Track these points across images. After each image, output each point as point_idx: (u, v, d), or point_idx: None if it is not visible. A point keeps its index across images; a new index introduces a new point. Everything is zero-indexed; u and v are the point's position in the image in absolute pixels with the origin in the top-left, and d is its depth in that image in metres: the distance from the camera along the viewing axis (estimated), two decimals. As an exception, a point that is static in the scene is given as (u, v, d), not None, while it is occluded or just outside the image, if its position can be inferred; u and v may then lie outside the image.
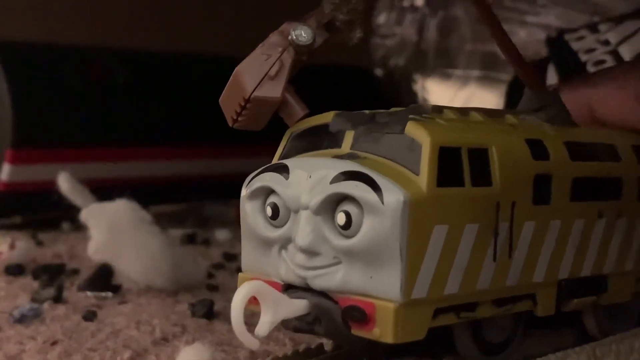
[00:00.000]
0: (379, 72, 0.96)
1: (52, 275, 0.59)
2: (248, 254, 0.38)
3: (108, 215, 0.58)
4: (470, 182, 0.35)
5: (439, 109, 0.37)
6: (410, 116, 0.35)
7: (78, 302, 0.54)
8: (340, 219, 0.34)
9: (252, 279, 0.37)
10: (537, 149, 0.38)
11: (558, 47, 0.65)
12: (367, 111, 0.37)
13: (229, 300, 0.55)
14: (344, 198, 0.34)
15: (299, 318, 0.35)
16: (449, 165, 0.34)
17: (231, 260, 0.67)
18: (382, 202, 0.33)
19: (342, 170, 0.34)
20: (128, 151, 0.83)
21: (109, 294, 0.56)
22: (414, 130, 0.34)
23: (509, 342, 0.39)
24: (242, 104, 0.38)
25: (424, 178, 0.33)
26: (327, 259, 0.34)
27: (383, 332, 0.33)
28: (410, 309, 0.33)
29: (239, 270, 0.65)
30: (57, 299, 0.54)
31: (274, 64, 0.37)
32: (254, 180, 0.37)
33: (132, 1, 1.20)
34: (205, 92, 0.89)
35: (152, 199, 0.81)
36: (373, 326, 0.33)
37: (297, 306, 0.35)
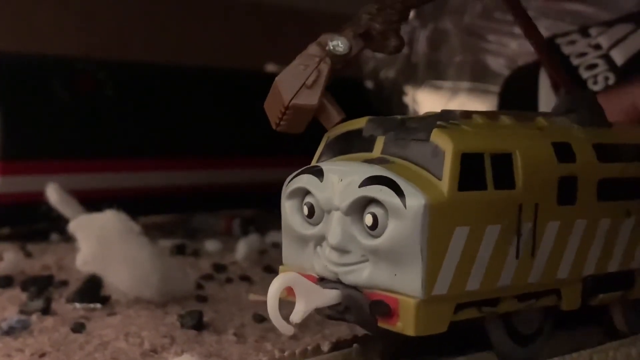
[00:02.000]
0: (369, 84, 0.96)
1: (41, 287, 0.59)
2: (287, 248, 0.40)
3: (97, 227, 0.57)
4: (493, 186, 0.37)
5: (467, 115, 0.39)
6: (438, 123, 0.37)
7: (66, 314, 0.54)
8: (368, 220, 0.36)
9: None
10: (563, 151, 0.40)
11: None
12: (398, 116, 0.39)
13: (218, 311, 0.55)
14: (371, 201, 0.36)
15: (331, 307, 0.37)
16: (471, 170, 0.36)
17: (220, 271, 0.67)
18: (405, 206, 0.35)
19: (370, 175, 0.36)
20: (117, 162, 0.82)
21: (98, 305, 0.56)
22: (438, 137, 0.37)
23: (538, 333, 0.41)
24: (282, 110, 0.39)
25: (445, 183, 0.36)
26: (356, 257, 0.37)
27: (405, 325, 0.36)
28: (430, 304, 0.35)
29: (229, 281, 0.65)
30: (46, 310, 0.54)
31: (311, 73, 0.39)
32: (293, 180, 0.39)
33: (120, 13, 1.20)
34: (194, 103, 0.90)
35: (141, 210, 0.80)
36: (397, 320, 0.36)
37: (330, 296, 0.37)
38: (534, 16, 0.83)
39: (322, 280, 0.38)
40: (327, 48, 0.40)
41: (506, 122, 0.40)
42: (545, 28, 0.82)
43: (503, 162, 0.37)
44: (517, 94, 0.73)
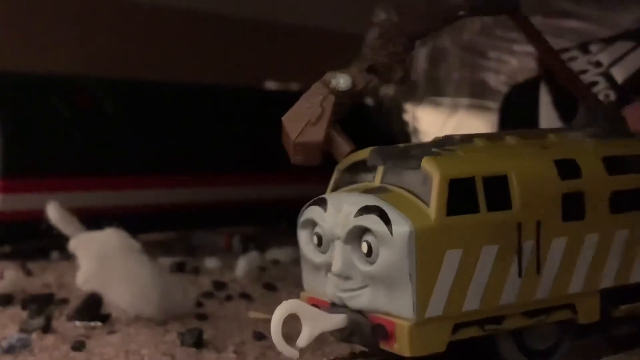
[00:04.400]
0: (369, 101, 0.96)
1: (41, 305, 0.59)
2: (306, 275, 0.43)
3: (97, 245, 0.58)
4: (486, 208, 0.38)
5: (468, 139, 0.41)
6: (432, 150, 0.39)
7: (67, 332, 0.54)
8: (364, 248, 0.39)
9: (309, 297, 0.42)
10: (567, 168, 0.41)
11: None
12: (401, 145, 0.42)
13: (218, 328, 0.55)
14: (365, 230, 0.38)
15: (339, 331, 0.39)
16: (461, 195, 0.38)
17: (220, 289, 0.67)
18: (392, 233, 0.37)
19: (363, 204, 0.39)
20: (117, 180, 0.83)
21: (98, 323, 0.56)
22: (428, 165, 0.38)
23: (555, 348, 0.42)
24: (292, 147, 0.42)
25: (433, 209, 0.37)
26: (357, 283, 0.39)
27: (401, 347, 0.38)
28: (424, 326, 0.37)
29: (229, 298, 0.66)
30: (46, 329, 0.54)
31: (315, 110, 0.42)
32: (304, 211, 0.42)
33: (120, 31, 1.20)
34: (194, 120, 0.90)
35: (142, 227, 0.80)
36: (394, 342, 0.38)
37: (335, 320, 0.39)
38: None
39: (334, 306, 0.40)
40: (330, 86, 0.42)
41: (510, 142, 0.41)
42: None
43: (497, 184, 0.39)
44: (517, 110, 0.73)
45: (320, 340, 0.53)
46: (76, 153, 0.81)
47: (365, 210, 0.38)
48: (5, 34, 1.11)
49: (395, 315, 0.38)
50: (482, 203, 0.38)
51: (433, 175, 0.38)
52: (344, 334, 0.40)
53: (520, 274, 0.39)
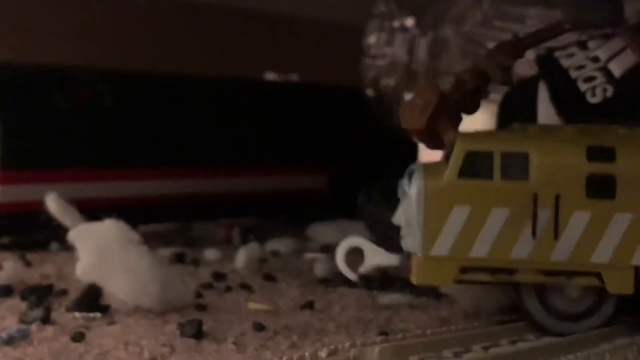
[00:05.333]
0: (369, 92, 0.96)
1: (40, 296, 0.59)
2: None
3: (96, 236, 0.57)
4: (500, 177, 0.46)
5: (527, 125, 0.52)
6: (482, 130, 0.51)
7: (66, 323, 0.54)
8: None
9: None
10: (599, 153, 0.47)
11: (548, 65, 0.65)
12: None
13: (218, 320, 0.55)
14: None
15: (395, 268, 0.50)
16: (477, 164, 0.46)
17: (220, 280, 0.67)
18: (410, 188, 0.48)
19: (410, 169, 0.49)
20: (117, 172, 0.82)
21: (98, 314, 0.56)
22: (458, 139, 0.47)
23: (588, 313, 0.48)
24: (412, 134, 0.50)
25: (446, 172, 0.47)
26: (402, 230, 0.49)
27: (413, 276, 0.48)
28: (430, 261, 0.47)
29: (228, 289, 0.65)
30: (45, 320, 0.54)
31: (422, 102, 0.49)
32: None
33: (120, 23, 1.20)
34: (193, 112, 0.90)
35: (141, 219, 0.80)
36: (411, 273, 0.48)
37: (391, 258, 0.49)
38: (533, 24, 0.83)
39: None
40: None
41: (567, 131, 0.50)
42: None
43: (516, 159, 0.46)
44: (516, 105, 0.73)
45: (320, 332, 0.53)
46: (75, 144, 0.80)
47: (408, 173, 0.49)
48: (4, 26, 1.11)
49: (413, 253, 0.47)
50: (496, 173, 0.46)
51: (456, 146, 0.47)
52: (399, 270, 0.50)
53: (534, 236, 0.46)
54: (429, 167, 0.48)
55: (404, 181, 0.49)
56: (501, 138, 0.48)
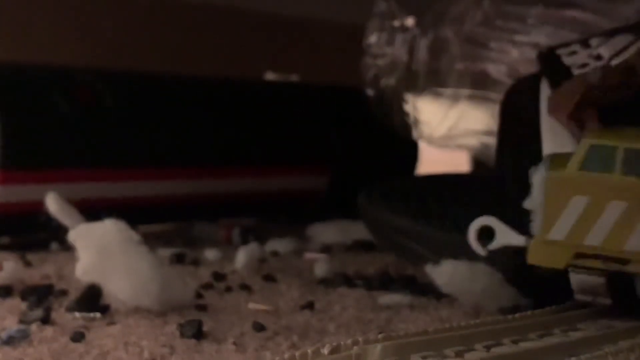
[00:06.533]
0: (370, 91, 0.96)
1: (40, 297, 0.59)
2: None
3: (96, 236, 0.57)
4: (621, 171, 0.48)
5: None
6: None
7: (66, 324, 0.54)
8: None
9: None
10: None
11: (550, 62, 0.65)
12: None
13: (218, 320, 0.55)
14: None
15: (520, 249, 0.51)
16: (599, 157, 0.48)
17: (220, 281, 0.67)
18: (535, 178, 0.50)
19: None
20: (116, 172, 0.82)
21: (97, 314, 0.56)
22: (587, 133, 0.50)
23: None
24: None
25: (569, 163, 0.49)
26: (533, 215, 0.51)
27: (529, 257, 0.50)
28: (545, 245, 0.49)
29: (228, 290, 0.65)
30: (45, 320, 0.53)
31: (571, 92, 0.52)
32: None
33: (120, 23, 1.20)
34: (193, 113, 0.90)
35: (141, 219, 0.80)
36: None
37: (519, 239, 0.51)
38: (533, 24, 0.83)
39: None
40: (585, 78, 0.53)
41: None
42: (545, 35, 0.82)
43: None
44: (518, 105, 0.73)
45: (320, 332, 0.53)
46: (76, 144, 0.80)
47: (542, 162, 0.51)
48: (5, 26, 1.11)
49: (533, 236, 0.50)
50: (618, 167, 0.48)
51: (582, 140, 0.49)
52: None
53: None
54: (555, 158, 0.51)
55: (537, 170, 0.51)
56: (626, 135, 0.49)
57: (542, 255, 0.49)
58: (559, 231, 0.49)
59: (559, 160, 0.50)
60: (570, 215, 0.49)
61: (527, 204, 0.51)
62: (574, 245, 0.49)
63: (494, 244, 0.52)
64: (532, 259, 0.50)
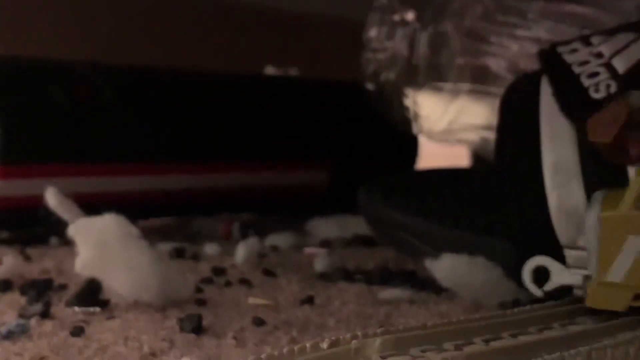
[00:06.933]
0: (370, 86, 0.96)
1: (40, 291, 0.59)
2: None
3: (96, 230, 0.57)
4: None
5: None
6: None
7: (66, 318, 0.54)
8: None
9: None
10: None
11: (551, 60, 0.65)
12: None
13: (218, 315, 0.55)
14: None
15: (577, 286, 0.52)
16: None
17: (220, 275, 0.67)
18: (589, 217, 0.49)
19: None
20: (116, 166, 0.82)
21: (97, 309, 0.56)
22: (637, 171, 0.49)
23: None
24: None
25: (624, 202, 0.47)
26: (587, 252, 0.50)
27: (587, 299, 0.48)
28: (603, 287, 0.48)
29: (228, 284, 0.65)
30: (45, 314, 0.53)
31: (612, 117, 0.50)
32: None
33: (119, 17, 1.20)
34: (193, 107, 0.89)
35: (141, 213, 0.80)
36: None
37: (575, 278, 0.52)
38: (534, 19, 0.83)
39: None
40: (628, 100, 0.50)
41: None
42: (545, 30, 0.82)
43: None
44: (518, 103, 0.73)
45: (320, 327, 0.53)
46: (75, 139, 0.80)
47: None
48: (4, 20, 1.11)
49: (590, 277, 0.49)
50: None
51: (635, 177, 0.48)
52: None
53: None
54: (607, 197, 0.49)
55: (590, 209, 0.50)
56: None
57: (601, 298, 0.48)
58: (617, 273, 0.48)
59: (612, 198, 0.49)
60: (627, 256, 0.48)
61: (581, 242, 0.52)
62: (633, 287, 0.48)
63: (550, 284, 0.53)
64: (590, 302, 0.49)
